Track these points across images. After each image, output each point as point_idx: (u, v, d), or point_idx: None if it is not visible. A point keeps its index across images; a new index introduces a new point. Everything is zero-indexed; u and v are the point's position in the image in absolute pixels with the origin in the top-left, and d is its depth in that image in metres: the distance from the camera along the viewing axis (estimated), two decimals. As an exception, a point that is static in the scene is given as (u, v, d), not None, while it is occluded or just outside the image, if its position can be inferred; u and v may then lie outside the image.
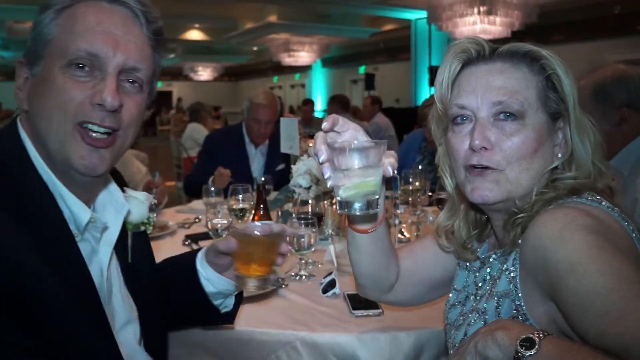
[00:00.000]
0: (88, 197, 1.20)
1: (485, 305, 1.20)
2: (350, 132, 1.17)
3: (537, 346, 0.93)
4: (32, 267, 0.99)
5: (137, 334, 1.30)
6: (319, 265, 2.31)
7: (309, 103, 10.38)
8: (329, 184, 1.10)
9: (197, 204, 3.50)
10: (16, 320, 0.97)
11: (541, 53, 1.18)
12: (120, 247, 1.30)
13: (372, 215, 1.14)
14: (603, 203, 1.11)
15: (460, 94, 1.21)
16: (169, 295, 1.47)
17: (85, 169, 1.11)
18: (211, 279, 1.44)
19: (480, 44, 1.23)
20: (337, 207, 1.13)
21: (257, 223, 1.34)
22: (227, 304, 1.53)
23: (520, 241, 1.12)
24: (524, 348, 0.94)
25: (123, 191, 1.32)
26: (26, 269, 0.99)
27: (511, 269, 1.15)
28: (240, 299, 1.56)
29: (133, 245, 1.33)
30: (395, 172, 1.14)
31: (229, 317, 1.56)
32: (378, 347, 1.57)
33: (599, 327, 0.92)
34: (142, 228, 1.36)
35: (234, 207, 2.63)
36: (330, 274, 2.02)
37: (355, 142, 1.10)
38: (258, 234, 1.30)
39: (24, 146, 1.13)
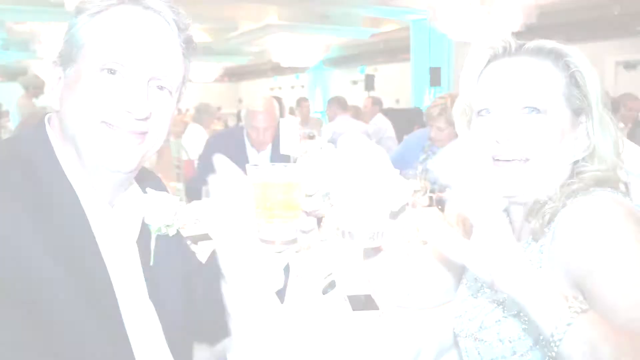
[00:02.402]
0: (111, 198, 1.20)
1: (503, 295, 1.18)
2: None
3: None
4: (47, 267, 0.99)
5: (160, 337, 1.27)
6: (319, 265, 2.31)
7: (305, 101, 10.24)
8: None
9: (197, 204, 3.49)
10: (26, 319, 0.96)
11: (565, 50, 1.21)
12: (143, 249, 1.28)
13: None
14: (626, 198, 1.14)
15: (485, 88, 1.24)
16: (218, 290, 1.28)
17: (116, 161, 1.10)
18: None
19: (506, 40, 1.25)
20: (340, 235, 1.06)
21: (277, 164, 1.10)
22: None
23: (546, 230, 1.14)
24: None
25: (145, 192, 1.30)
26: (41, 268, 0.98)
27: (534, 258, 1.16)
28: (287, 275, 1.35)
29: (156, 248, 1.31)
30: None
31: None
32: (378, 347, 1.57)
33: (629, 314, 0.94)
34: (164, 231, 1.32)
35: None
36: (330, 274, 2.02)
37: (362, 168, 1.03)
38: (277, 174, 1.07)
39: (51, 146, 1.13)
